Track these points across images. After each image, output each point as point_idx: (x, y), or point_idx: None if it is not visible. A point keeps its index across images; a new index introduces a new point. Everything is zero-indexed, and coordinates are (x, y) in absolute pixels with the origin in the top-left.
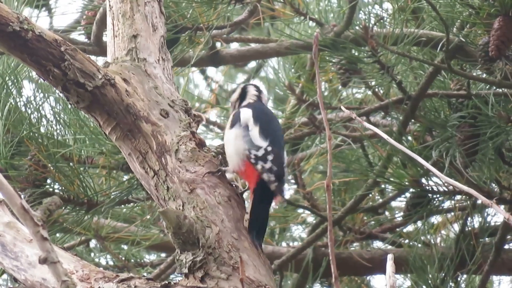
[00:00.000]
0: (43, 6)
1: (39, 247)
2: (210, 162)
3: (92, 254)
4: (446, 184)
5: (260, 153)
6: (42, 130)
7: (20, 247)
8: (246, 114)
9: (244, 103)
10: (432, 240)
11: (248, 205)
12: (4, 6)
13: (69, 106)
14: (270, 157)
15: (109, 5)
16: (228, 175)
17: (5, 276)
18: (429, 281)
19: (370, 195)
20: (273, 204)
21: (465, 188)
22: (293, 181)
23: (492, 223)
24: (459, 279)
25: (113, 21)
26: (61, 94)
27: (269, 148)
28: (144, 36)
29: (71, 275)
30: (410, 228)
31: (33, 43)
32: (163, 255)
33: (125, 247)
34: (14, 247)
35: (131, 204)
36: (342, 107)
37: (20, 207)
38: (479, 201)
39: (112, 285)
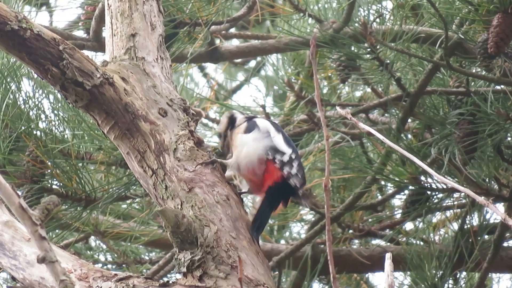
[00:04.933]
0: (42, 5)
1: (37, 246)
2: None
3: (92, 251)
4: (444, 182)
5: (285, 159)
6: (41, 125)
7: (18, 246)
8: (264, 122)
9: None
10: (431, 238)
11: (258, 200)
12: (2, 5)
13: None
14: (295, 164)
15: (108, 4)
16: (227, 173)
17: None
18: (427, 280)
19: (369, 192)
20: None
21: (462, 188)
22: None
23: (492, 221)
24: (458, 276)
25: (112, 20)
26: (58, 93)
27: (293, 156)
28: (142, 35)
29: (69, 274)
30: (410, 225)
31: (31, 42)
32: (162, 252)
33: (124, 243)
34: (12, 246)
35: (130, 200)
36: (338, 108)
37: (18, 206)
38: (477, 200)
39: (110, 284)
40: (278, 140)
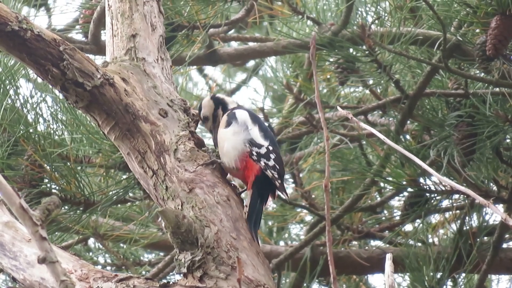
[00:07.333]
0: (41, 5)
1: (38, 247)
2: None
3: (91, 253)
4: (443, 183)
5: (263, 151)
6: (39, 129)
7: (19, 247)
8: (243, 114)
9: (229, 107)
10: (430, 240)
11: (247, 198)
12: (2, 5)
13: (66, 105)
14: (272, 156)
15: (108, 5)
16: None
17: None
18: (426, 282)
19: (368, 194)
20: (270, 201)
21: (462, 188)
22: (291, 180)
23: (491, 222)
24: (457, 277)
25: (112, 20)
26: (59, 94)
27: (271, 148)
28: (143, 36)
29: (70, 275)
30: (409, 227)
31: (32, 42)
32: (161, 254)
33: (124, 245)
34: (13, 246)
35: (129, 203)
36: (338, 108)
37: (19, 207)
38: (477, 200)
39: (111, 285)
40: (255, 133)
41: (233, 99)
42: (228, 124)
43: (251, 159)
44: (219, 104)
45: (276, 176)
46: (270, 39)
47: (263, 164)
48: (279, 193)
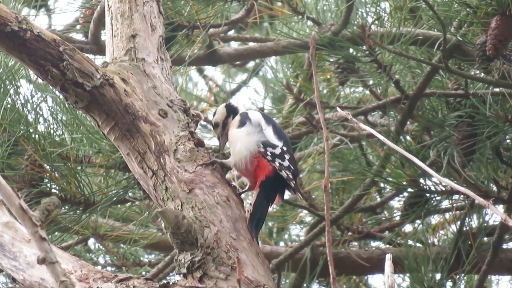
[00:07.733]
0: (41, 6)
1: (38, 247)
2: None
3: (91, 253)
4: (443, 184)
5: (278, 151)
6: (39, 129)
7: (19, 247)
8: (256, 115)
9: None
10: (429, 240)
11: (252, 197)
12: (2, 6)
13: (67, 105)
14: (287, 156)
15: (108, 5)
16: (228, 174)
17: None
18: (425, 282)
19: (368, 194)
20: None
21: (462, 189)
22: None
23: (490, 223)
24: (457, 278)
25: (112, 21)
26: (59, 94)
27: (285, 148)
28: (142, 36)
29: (69, 275)
30: (409, 227)
31: (31, 43)
32: (161, 254)
33: (124, 246)
34: (12, 247)
35: (128, 203)
36: (338, 108)
37: (18, 207)
38: (477, 201)
39: (110, 285)
40: (270, 133)
41: (246, 108)
42: (242, 124)
43: (265, 160)
44: (231, 112)
45: (291, 176)
46: (270, 39)
47: (277, 164)
48: (287, 193)
